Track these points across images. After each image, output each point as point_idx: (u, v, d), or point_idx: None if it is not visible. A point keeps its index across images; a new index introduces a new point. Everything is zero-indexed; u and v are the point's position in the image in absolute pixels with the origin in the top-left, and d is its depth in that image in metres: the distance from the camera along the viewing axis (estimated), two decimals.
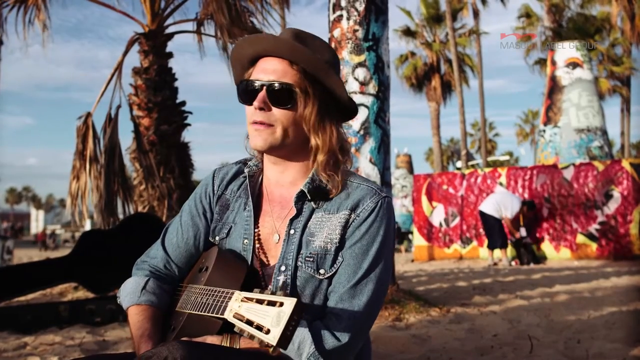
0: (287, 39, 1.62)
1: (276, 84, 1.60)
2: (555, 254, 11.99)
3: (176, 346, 1.33)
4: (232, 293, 1.40)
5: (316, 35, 1.70)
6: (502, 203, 11.44)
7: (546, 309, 5.27)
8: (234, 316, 1.32)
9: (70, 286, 7.20)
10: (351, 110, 1.70)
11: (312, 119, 1.61)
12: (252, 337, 1.27)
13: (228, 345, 1.49)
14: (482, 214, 11.62)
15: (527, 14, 34.18)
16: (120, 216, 8.13)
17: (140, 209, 8.40)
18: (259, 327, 1.26)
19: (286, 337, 1.23)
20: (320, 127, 1.63)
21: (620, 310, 5.15)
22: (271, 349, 1.23)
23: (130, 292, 1.70)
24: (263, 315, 1.27)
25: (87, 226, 24.58)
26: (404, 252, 20.64)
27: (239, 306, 1.33)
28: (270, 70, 1.62)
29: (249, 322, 1.28)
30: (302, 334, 1.47)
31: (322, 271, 1.58)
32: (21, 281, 5.61)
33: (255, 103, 1.60)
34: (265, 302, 1.28)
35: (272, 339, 1.22)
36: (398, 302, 5.23)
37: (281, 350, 1.47)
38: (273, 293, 1.29)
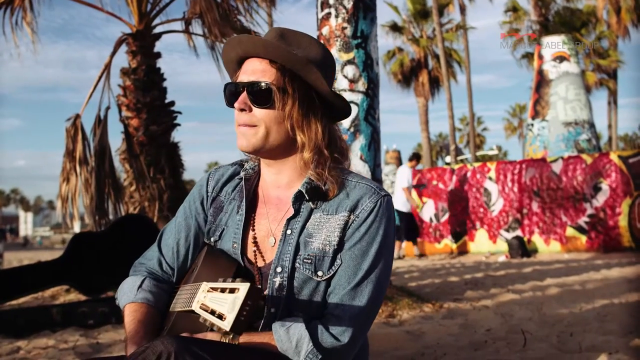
0: (266, 38, 1.62)
1: (254, 84, 1.59)
2: (545, 247, 12.07)
3: (170, 340, 1.33)
4: (201, 284, 1.40)
5: (306, 33, 1.68)
6: (396, 182, 12.16)
7: (538, 303, 5.30)
8: (200, 307, 1.33)
9: (62, 289, 7.16)
10: (341, 106, 1.66)
11: (295, 115, 1.59)
12: (212, 325, 1.28)
13: (227, 341, 1.48)
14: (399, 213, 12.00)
15: (514, 8, 34.28)
16: (111, 217, 8.10)
17: (131, 210, 8.36)
18: (220, 316, 1.27)
19: (240, 322, 1.23)
20: (305, 123, 1.60)
21: (611, 303, 5.19)
22: (231, 336, 1.23)
23: (127, 291, 1.69)
24: (222, 303, 1.27)
25: (77, 228, 24.37)
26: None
27: (204, 296, 1.34)
28: (250, 71, 1.61)
29: (213, 312, 1.29)
30: (300, 332, 1.47)
31: (320, 273, 1.56)
32: (13, 285, 5.57)
33: (237, 105, 1.60)
34: (227, 290, 1.29)
35: (227, 324, 1.23)
36: (391, 298, 5.25)
37: (280, 349, 1.48)
38: (233, 281, 1.30)
